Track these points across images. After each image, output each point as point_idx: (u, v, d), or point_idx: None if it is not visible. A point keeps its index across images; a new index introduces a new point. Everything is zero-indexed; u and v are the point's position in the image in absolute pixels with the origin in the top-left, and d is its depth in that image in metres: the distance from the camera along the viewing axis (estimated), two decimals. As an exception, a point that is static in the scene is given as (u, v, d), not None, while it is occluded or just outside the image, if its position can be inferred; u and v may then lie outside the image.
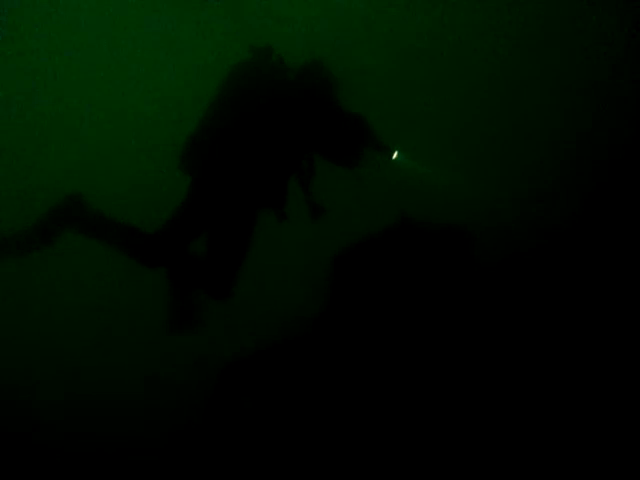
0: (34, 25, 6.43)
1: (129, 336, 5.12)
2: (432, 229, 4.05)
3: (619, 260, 4.23)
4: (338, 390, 3.88)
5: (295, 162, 3.85)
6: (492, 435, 3.56)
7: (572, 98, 5.69)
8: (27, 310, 5.26)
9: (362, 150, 3.86)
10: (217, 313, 3.94)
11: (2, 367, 4.67)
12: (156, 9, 6.33)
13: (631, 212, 4.64)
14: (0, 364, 4.71)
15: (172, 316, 3.79)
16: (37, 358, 4.99)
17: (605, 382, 3.63)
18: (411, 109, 5.61)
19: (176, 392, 4.62)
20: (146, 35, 6.34)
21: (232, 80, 3.82)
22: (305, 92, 3.81)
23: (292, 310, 4.21)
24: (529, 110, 5.69)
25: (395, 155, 3.92)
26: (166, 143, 4.07)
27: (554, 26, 5.96)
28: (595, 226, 4.48)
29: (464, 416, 3.69)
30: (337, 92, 3.89)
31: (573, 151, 5.43)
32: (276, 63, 3.89)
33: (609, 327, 3.88)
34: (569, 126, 5.59)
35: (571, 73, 5.79)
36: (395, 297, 3.95)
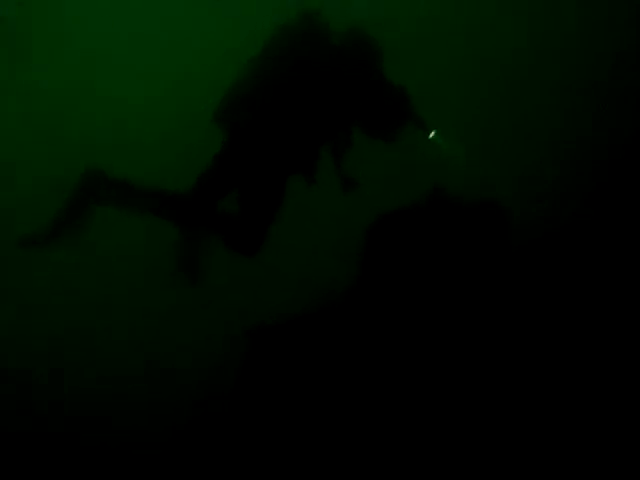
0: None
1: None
2: (465, 205, 4.00)
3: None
4: (362, 369, 3.83)
5: (331, 131, 3.80)
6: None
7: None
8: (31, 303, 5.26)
9: (401, 124, 3.80)
10: (246, 282, 4.05)
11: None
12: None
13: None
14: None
15: (180, 268, 3.85)
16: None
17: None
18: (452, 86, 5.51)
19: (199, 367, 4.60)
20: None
21: (276, 40, 3.77)
22: (349, 59, 3.75)
23: (324, 282, 4.15)
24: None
25: (432, 133, 3.86)
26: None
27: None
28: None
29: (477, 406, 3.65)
30: (381, 62, 3.81)
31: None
32: (322, 27, 3.79)
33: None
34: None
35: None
36: (425, 273, 3.89)
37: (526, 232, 4.15)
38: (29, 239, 3.64)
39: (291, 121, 3.71)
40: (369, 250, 4.04)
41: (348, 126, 3.83)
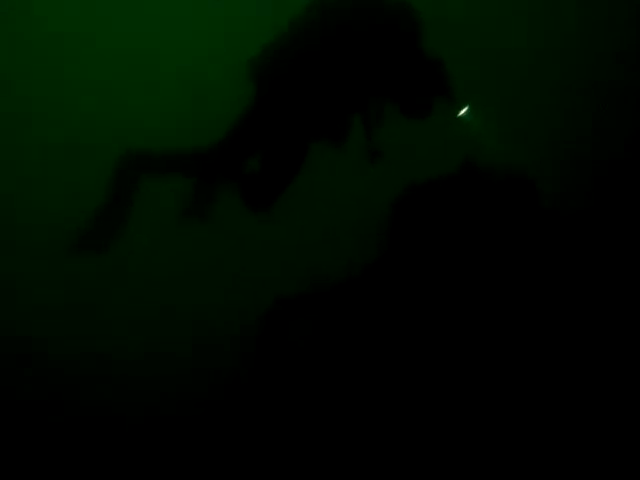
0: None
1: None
2: (493, 181, 3.92)
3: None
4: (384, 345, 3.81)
5: (364, 103, 3.79)
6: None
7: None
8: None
9: (435, 98, 3.77)
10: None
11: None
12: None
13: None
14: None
15: (190, 207, 3.93)
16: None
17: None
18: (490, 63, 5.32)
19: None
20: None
21: (321, 3, 3.73)
22: (392, 29, 3.69)
23: (348, 254, 4.12)
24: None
25: (464, 111, 3.80)
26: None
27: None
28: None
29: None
30: (422, 34, 3.76)
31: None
32: None
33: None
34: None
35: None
36: (451, 252, 3.82)
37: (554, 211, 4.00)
38: (83, 241, 3.74)
39: (324, 86, 3.71)
40: (394, 226, 3.97)
41: (381, 99, 3.80)
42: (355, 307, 3.90)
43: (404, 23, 3.70)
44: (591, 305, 3.88)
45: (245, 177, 3.86)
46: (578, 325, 3.78)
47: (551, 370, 3.66)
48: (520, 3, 5.78)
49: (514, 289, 3.72)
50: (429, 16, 3.75)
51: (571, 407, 3.53)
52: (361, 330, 3.84)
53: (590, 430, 3.43)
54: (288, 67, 3.70)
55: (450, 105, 3.79)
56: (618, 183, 4.85)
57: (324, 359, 3.86)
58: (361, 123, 3.82)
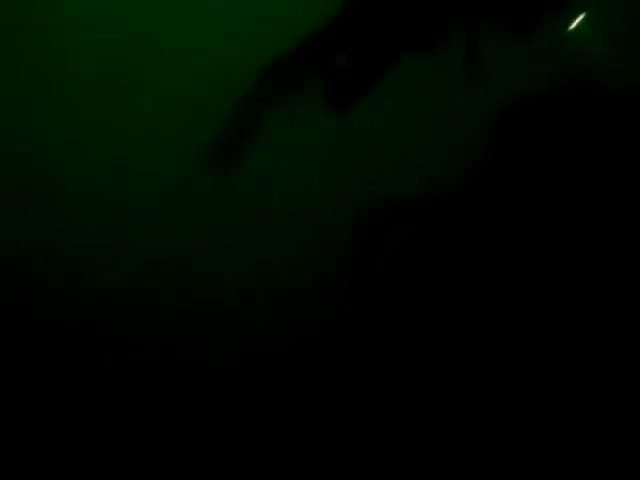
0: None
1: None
2: (609, 99, 3.66)
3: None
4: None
5: (469, 15, 3.71)
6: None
7: None
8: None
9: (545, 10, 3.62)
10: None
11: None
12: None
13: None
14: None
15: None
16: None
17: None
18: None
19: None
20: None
21: None
22: None
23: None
24: None
25: (577, 22, 3.61)
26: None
27: None
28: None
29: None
30: None
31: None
32: None
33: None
34: None
35: None
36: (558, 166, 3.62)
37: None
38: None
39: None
40: (492, 142, 3.76)
41: (490, 11, 3.68)
42: (447, 220, 3.81)
43: None
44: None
45: (332, 72, 3.85)
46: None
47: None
48: None
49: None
50: None
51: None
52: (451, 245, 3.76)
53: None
54: None
55: (561, 16, 3.61)
56: None
57: (419, 271, 3.76)
58: (462, 36, 3.73)
